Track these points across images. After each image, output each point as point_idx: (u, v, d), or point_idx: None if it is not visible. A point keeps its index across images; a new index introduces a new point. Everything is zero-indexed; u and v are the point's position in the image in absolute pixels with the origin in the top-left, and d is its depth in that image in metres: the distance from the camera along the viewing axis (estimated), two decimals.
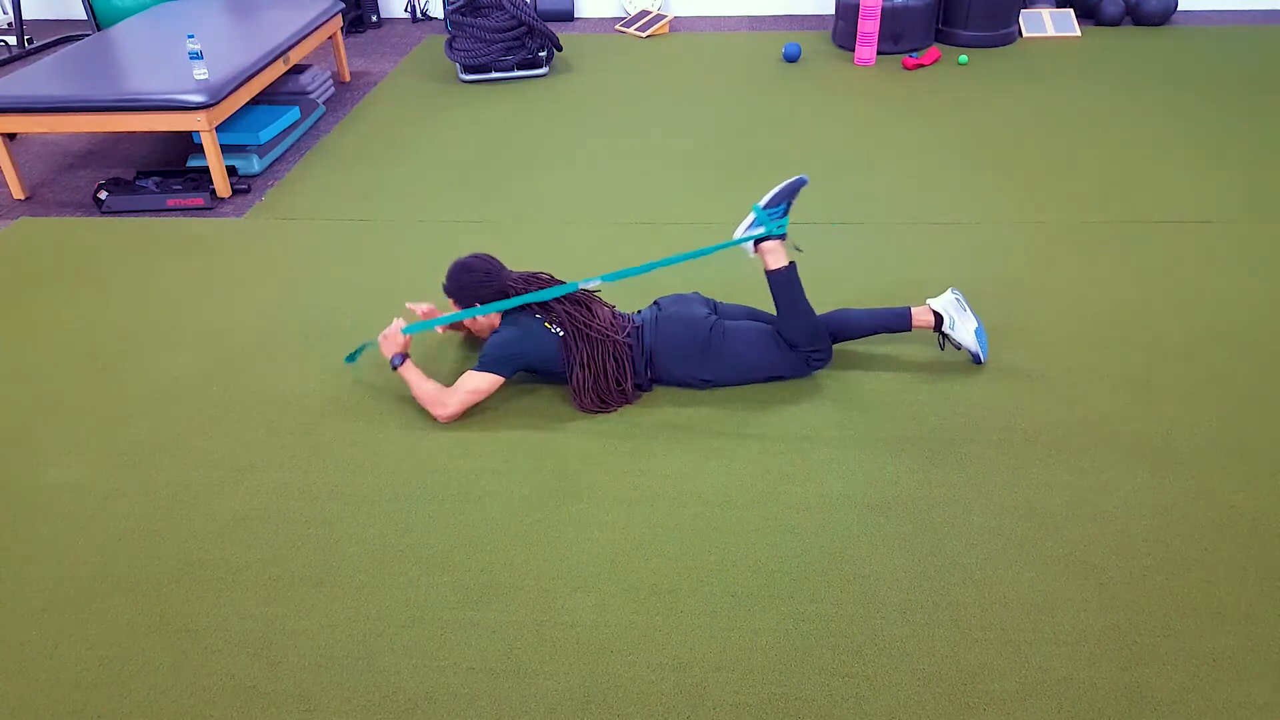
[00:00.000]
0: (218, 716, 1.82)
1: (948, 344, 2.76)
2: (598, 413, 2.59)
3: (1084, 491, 2.29)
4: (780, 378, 2.66)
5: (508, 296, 2.55)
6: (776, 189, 2.54)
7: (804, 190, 2.58)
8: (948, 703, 1.80)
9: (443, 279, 2.63)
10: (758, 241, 2.54)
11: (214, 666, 1.92)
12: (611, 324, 2.58)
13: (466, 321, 2.66)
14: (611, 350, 2.55)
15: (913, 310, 2.72)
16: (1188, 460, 2.38)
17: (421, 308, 2.80)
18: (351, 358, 2.81)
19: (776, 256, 2.53)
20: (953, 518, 2.22)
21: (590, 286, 2.58)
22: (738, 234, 2.56)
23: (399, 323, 2.63)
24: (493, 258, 2.63)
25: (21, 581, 2.14)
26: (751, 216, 2.55)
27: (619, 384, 2.58)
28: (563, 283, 2.60)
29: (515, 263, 3.37)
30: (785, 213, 2.53)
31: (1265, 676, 1.83)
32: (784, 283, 2.54)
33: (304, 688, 1.87)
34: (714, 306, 2.70)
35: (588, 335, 2.53)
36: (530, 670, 1.89)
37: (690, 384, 2.66)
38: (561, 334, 2.54)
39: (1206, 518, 2.20)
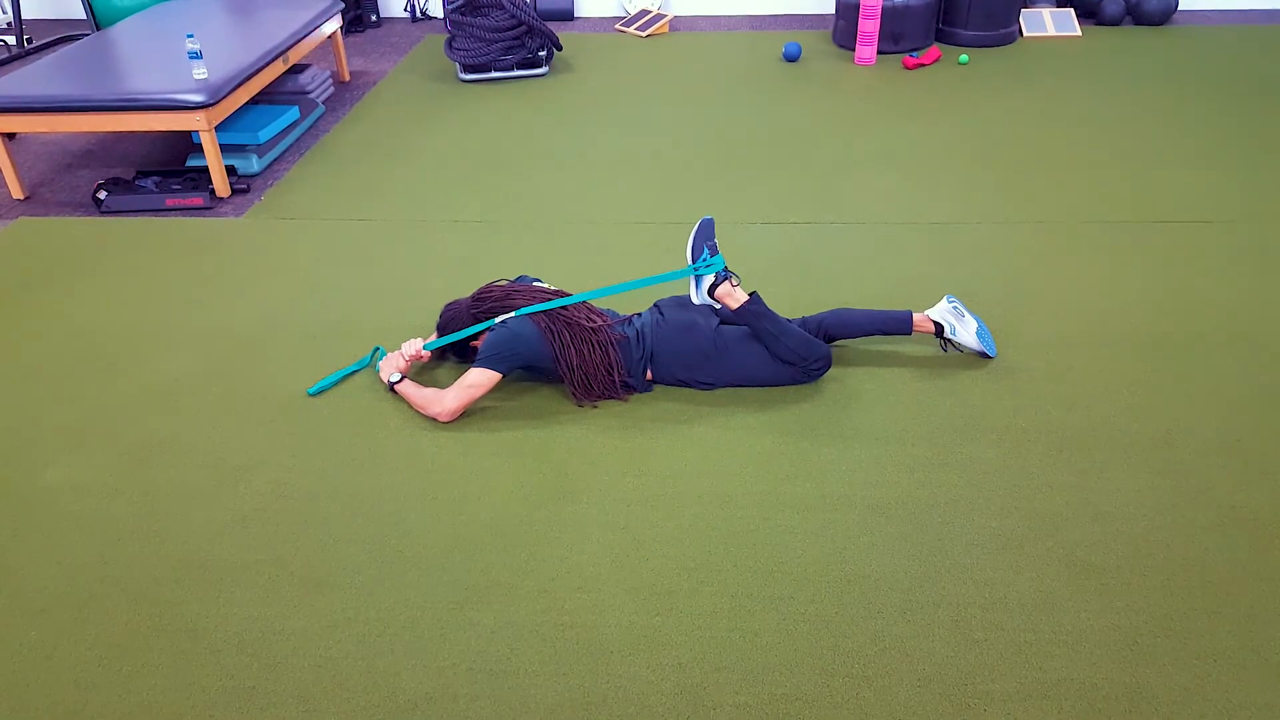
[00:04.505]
0: (218, 716, 1.82)
1: (950, 347, 2.77)
2: (590, 400, 2.61)
3: (1084, 491, 2.29)
4: (783, 385, 2.67)
5: (478, 322, 2.69)
6: (690, 243, 2.59)
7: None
8: (948, 703, 1.80)
9: (443, 290, 2.81)
10: (712, 292, 2.58)
11: (214, 667, 1.92)
12: (588, 316, 2.63)
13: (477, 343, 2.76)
14: (595, 336, 2.59)
15: (914, 316, 2.73)
16: (1188, 460, 2.38)
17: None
18: (362, 363, 2.85)
19: (734, 296, 2.57)
20: (953, 518, 2.22)
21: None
22: (696, 301, 2.62)
23: (417, 341, 2.73)
24: (457, 300, 2.79)
25: (21, 581, 2.14)
26: (691, 280, 2.60)
27: (607, 370, 2.59)
28: (548, 290, 2.71)
29: (515, 263, 3.39)
30: (712, 252, 2.58)
31: (1265, 676, 1.83)
32: (753, 315, 2.57)
33: (304, 688, 1.87)
34: (715, 308, 2.70)
35: (566, 320, 2.59)
36: (530, 670, 1.89)
37: (690, 385, 2.67)
38: (543, 325, 2.60)
39: (1206, 518, 2.20)
